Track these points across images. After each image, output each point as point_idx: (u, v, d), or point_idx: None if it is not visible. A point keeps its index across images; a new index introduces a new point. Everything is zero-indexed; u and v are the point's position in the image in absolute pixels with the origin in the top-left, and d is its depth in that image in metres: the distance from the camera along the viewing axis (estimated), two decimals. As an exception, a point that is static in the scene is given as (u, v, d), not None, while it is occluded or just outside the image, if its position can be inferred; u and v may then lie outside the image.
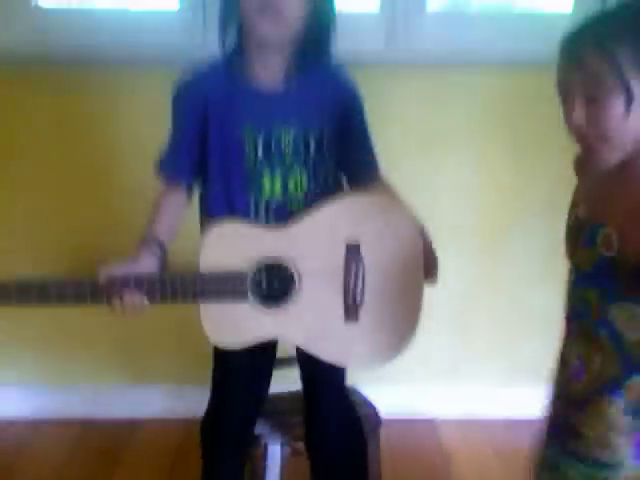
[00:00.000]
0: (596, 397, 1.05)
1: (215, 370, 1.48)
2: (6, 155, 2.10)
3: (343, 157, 1.42)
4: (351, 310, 1.35)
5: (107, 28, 1.99)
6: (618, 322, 1.03)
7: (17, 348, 2.27)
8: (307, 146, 1.34)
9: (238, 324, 1.33)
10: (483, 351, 2.23)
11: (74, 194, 2.13)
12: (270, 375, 1.51)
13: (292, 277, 1.33)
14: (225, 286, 1.31)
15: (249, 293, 1.31)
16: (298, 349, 1.44)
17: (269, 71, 1.32)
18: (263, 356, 1.43)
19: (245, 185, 1.34)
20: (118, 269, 1.28)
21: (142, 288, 1.27)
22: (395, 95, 2.03)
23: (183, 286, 1.29)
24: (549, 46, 1.81)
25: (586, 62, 0.96)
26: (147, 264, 1.31)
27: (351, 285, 1.34)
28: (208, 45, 1.86)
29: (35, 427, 2.21)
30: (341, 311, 1.35)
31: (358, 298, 1.34)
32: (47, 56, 1.98)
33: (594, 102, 0.96)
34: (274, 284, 1.35)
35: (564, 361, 1.13)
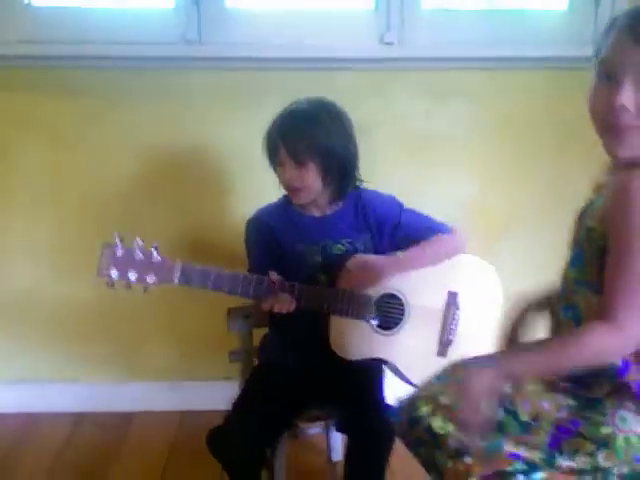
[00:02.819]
0: None
1: (248, 390, 1.65)
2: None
3: (411, 244, 1.69)
4: (443, 346, 1.62)
5: (102, 26, 2.06)
6: (581, 307, 1.10)
7: (12, 345, 2.29)
8: (356, 252, 1.65)
9: (355, 339, 1.61)
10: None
11: (70, 193, 2.18)
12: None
13: (403, 309, 1.63)
14: (354, 304, 1.60)
15: (368, 315, 1.61)
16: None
17: (316, 205, 1.68)
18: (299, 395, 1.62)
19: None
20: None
21: (294, 292, 1.55)
22: (390, 91, 2.14)
23: (326, 297, 1.58)
24: (543, 42, 2.08)
25: None
26: None
27: (447, 326, 1.62)
28: (204, 42, 2.05)
29: (29, 422, 2.24)
30: (435, 346, 1.64)
31: (451, 337, 1.62)
32: (40, 55, 2.03)
33: None
34: (389, 311, 1.64)
35: None
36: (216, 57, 2.07)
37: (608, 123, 1.03)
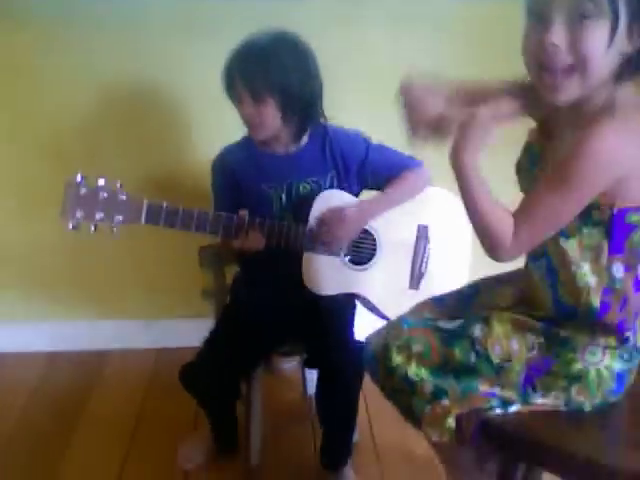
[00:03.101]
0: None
1: (220, 327, 1.67)
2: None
3: (379, 182, 1.68)
4: (415, 279, 1.64)
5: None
6: (552, 255, 1.11)
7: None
8: (321, 190, 1.64)
9: (328, 274, 1.62)
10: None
11: (28, 129, 2.10)
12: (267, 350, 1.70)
13: (375, 243, 1.65)
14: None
15: (341, 251, 1.62)
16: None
17: (279, 141, 1.65)
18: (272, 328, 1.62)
19: None
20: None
21: (263, 230, 1.55)
22: (355, 19, 2.07)
23: (296, 235, 1.58)
24: None
25: None
26: None
27: (418, 259, 1.63)
28: None
29: (1, 362, 2.24)
30: (407, 279, 1.65)
31: (423, 270, 1.63)
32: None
33: (581, 22, 0.96)
34: (361, 247, 1.65)
35: None
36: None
37: (541, 64, 1.01)
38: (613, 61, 0.99)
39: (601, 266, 1.07)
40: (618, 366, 1.10)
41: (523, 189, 1.16)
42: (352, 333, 1.61)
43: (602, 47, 0.96)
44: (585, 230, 1.06)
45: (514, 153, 1.21)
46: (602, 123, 0.98)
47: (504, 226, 1.04)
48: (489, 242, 1.06)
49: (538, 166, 1.12)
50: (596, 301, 1.08)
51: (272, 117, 1.56)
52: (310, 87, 1.60)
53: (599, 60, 0.97)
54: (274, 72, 1.53)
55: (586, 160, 0.98)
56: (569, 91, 1.00)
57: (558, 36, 0.96)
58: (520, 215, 1.04)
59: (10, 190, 2.16)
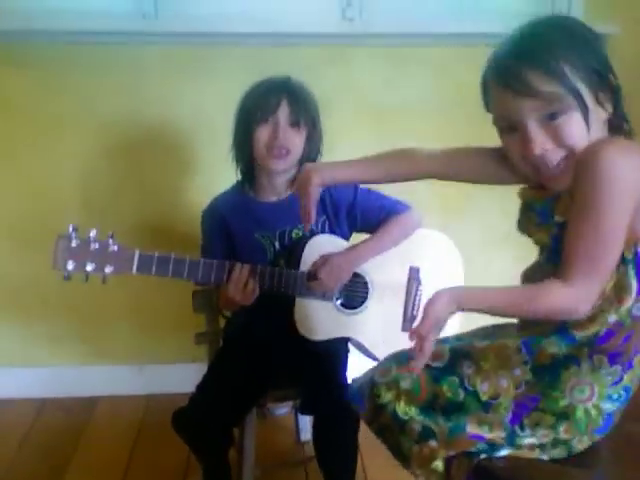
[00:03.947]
0: None
1: (213, 371, 1.66)
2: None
3: (369, 225, 1.71)
4: (408, 321, 1.62)
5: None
6: None
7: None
8: (313, 235, 1.65)
9: (320, 319, 1.62)
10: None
11: (26, 171, 2.16)
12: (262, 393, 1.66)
13: (367, 287, 1.65)
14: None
15: (332, 295, 1.62)
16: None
17: (275, 188, 1.68)
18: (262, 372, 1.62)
19: None
20: None
21: (255, 276, 1.54)
22: (351, 65, 2.15)
23: (287, 281, 1.57)
24: (503, 17, 2.03)
25: (535, 85, 0.99)
26: None
27: (410, 301, 1.62)
28: (160, 16, 2.06)
29: None
30: (399, 321, 1.61)
31: (415, 312, 1.62)
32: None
33: (553, 120, 1.01)
34: (353, 290, 1.66)
35: None
36: (173, 32, 2.04)
37: (535, 166, 1.05)
38: (598, 131, 1.03)
39: (625, 306, 1.04)
40: (607, 406, 1.09)
41: (540, 242, 1.14)
42: (345, 377, 1.60)
43: (583, 130, 1.01)
44: (620, 269, 1.03)
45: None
46: (603, 145, 1.00)
47: (544, 298, 1.02)
48: (556, 316, 1.05)
49: (556, 214, 1.09)
50: (602, 331, 1.05)
51: (299, 145, 1.61)
52: (321, 131, 1.68)
53: (586, 141, 1.01)
54: (313, 106, 1.65)
55: (602, 180, 0.97)
56: (569, 174, 1.02)
57: (540, 140, 1.01)
58: (567, 262, 1.01)
59: (4, 232, 2.18)
